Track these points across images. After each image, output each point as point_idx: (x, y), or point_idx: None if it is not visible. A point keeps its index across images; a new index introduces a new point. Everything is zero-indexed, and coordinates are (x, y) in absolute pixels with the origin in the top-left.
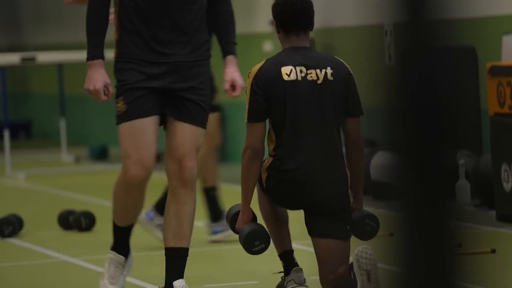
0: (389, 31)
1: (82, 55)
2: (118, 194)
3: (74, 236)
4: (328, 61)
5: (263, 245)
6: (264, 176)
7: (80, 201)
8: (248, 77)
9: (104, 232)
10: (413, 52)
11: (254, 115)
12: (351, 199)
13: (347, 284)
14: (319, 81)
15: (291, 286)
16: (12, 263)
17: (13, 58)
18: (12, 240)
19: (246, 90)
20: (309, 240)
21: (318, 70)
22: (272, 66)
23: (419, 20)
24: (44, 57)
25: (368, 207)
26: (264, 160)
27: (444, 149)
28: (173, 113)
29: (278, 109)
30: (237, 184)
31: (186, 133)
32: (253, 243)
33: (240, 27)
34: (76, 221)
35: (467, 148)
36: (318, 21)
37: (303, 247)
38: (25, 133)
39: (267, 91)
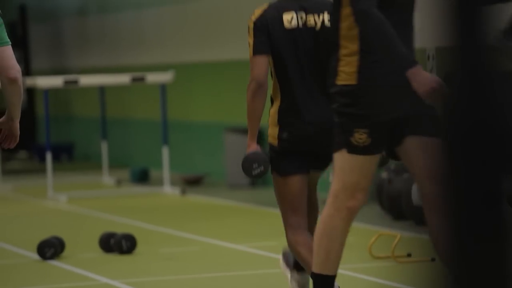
0: (432, 56)
1: (123, 78)
2: (335, 228)
3: (115, 259)
4: (325, 5)
5: (262, 168)
6: (275, 132)
7: (121, 224)
8: (251, 18)
9: (145, 255)
10: (460, 76)
11: (258, 49)
12: None
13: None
14: (317, 28)
15: None
16: (54, 285)
17: (56, 81)
18: (54, 262)
19: (248, 31)
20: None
21: (316, 15)
22: (275, 11)
23: (470, 45)
24: (86, 80)
25: (410, 232)
26: (270, 117)
27: (493, 173)
28: (421, 130)
29: (279, 54)
30: (276, 208)
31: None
32: (252, 165)
33: None
34: (117, 244)
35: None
36: None
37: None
38: (67, 155)
39: (269, 31)
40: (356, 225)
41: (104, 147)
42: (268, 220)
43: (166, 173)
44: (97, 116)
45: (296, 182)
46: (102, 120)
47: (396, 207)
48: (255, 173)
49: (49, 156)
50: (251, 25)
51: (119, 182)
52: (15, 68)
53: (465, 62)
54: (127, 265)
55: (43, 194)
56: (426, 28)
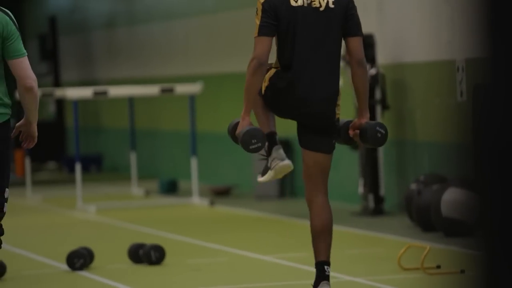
0: (461, 67)
1: (152, 89)
2: None
3: (144, 270)
4: None
5: (259, 144)
6: (264, 85)
7: (150, 235)
8: (259, 0)
9: (173, 266)
10: (491, 88)
11: (263, 30)
12: (358, 115)
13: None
14: (321, 9)
15: (275, 163)
16: None
17: (85, 92)
18: (83, 273)
19: (256, 12)
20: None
21: None
22: None
23: (503, 56)
24: (115, 91)
25: (439, 244)
26: (268, 70)
27: None
28: None
29: (285, 29)
30: (304, 219)
31: None
32: (250, 141)
33: None
34: (146, 255)
35: None
36: (389, 57)
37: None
38: (96, 166)
39: (276, 11)
40: (385, 237)
41: (133, 158)
42: (296, 231)
43: (194, 184)
44: (126, 127)
45: None
46: (131, 131)
47: (425, 218)
48: (252, 147)
49: (78, 167)
50: (259, 7)
51: (147, 193)
52: (31, 78)
53: (498, 74)
54: (156, 276)
55: (72, 205)
56: (456, 40)
